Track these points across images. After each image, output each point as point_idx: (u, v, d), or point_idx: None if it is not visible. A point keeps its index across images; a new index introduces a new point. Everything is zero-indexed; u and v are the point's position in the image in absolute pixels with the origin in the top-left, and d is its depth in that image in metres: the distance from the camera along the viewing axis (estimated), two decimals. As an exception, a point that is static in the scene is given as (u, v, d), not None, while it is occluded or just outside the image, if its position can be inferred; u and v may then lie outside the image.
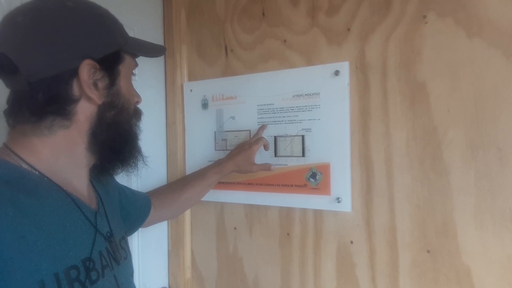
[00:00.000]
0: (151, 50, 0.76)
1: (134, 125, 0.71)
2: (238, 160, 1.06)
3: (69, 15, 0.59)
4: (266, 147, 1.09)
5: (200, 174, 1.10)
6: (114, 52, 0.64)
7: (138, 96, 0.73)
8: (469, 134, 0.87)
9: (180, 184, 1.11)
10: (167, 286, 1.31)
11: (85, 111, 0.62)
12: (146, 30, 1.24)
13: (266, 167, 1.06)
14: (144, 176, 1.22)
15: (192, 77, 1.28)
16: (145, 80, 1.24)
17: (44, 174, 0.58)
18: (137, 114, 0.73)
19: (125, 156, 0.69)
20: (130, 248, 1.17)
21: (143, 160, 0.74)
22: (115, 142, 0.66)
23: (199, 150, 1.24)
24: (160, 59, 1.30)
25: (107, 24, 0.64)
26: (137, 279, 1.21)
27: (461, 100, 0.88)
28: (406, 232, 0.95)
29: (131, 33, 1.18)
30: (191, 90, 1.25)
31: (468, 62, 0.87)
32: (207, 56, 1.24)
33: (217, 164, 1.10)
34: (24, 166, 0.57)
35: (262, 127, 1.10)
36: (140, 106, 1.20)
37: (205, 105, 1.22)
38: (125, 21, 1.15)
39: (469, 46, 0.87)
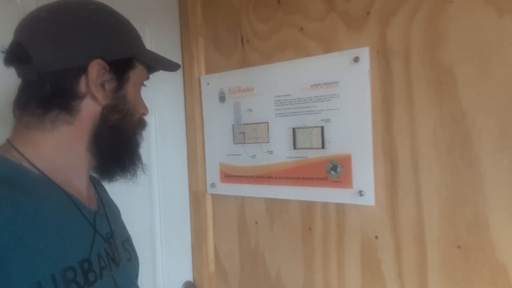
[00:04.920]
0: (165, 64, 0.76)
1: (136, 133, 0.71)
2: None
3: (89, 15, 0.61)
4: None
5: None
6: (126, 58, 0.65)
7: (146, 108, 0.73)
8: (501, 121, 0.80)
9: None
10: (191, 280, 1.31)
11: (89, 110, 0.62)
12: (162, 24, 1.23)
13: None
14: (166, 170, 1.23)
15: (209, 70, 1.26)
16: (163, 75, 1.21)
17: (44, 172, 0.58)
18: (142, 124, 0.72)
19: (125, 163, 0.69)
20: (154, 242, 1.20)
21: (142, 168, 0.72)
22: (116, 146, 0.66)
23: (218, 144, 1.22)
24: (177, 53, 1.29)
25: (124, 31, 0.65)
26: (160, 273, 1.22)
27: (491, 84, 0.81)
28: (434, 226, 0.89)
29: (146, 28, 1.19)
30: (208, 83, 1.23)
31: (498, 43, 0.80)
32: (223, 48, 1.22)
33: None
34: (25, 164, 0.57)
35: None
36: (159, 101, 1.21)
37: (222, 98, 1.19)
38: (141, 15, 1.17)
39: (500, 25, 0.79)
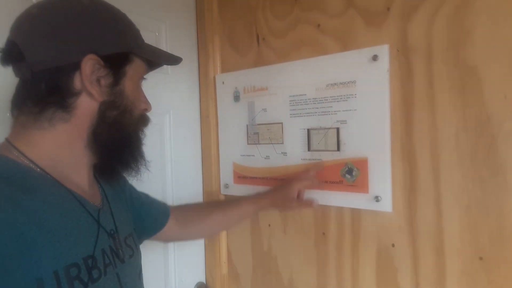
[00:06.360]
0: (165, 58, 0.74)
1: (138, 129, 0.69)
2: (275, 196, 1.00)
3: (82, 11, 0.60)
4: (312, 187, 0.99)
5: (234, 201, 1.03)
6: (122, 52, 0.63)
7: (147, 103, 0.71)
8: (531, 125, 0.74)
9: (211, 206, 1.06)
10: (204, 281, 1.30)
11: (85, 107, 0.60)
12: (179, 22, 1.22)
13: (308, 203, 0.97)
14: (179, 169, 1.22)
15: (224, 68, 1.24)
16: (179, 74, 1.22)
17: (45, 170, 0.57)
18: (144, 120, 0.71)
19: (126, 160, 0.67)
20: (166, 243, 1.19)
21: (145, 165, 0.70)
22: (115, 143, 0.64)
23: (232, 144, 1.20)
24: (193, 52, 1.27)
25: (119, 25, 0.64)
26: (173, 274, 1.21)
27: (521, 85, 0.75)
28: (455, 236, 0.84)
29: (162, 26, 1.18)
30: (223, 83, 1.21)
31: (530, 40, 0.74)
32: (239, 46, 1.19)
33: (254, 195, 1.03)
34: (26, 162, 0.57)
35: (317, 165, 1.00)
36: (174, 100, 1.20)
37: (237, 98, 1.17)
38: (158, 14, 1.16)
39: (532, 20, 0.73)
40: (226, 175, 1.22)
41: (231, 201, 1.04)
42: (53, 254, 0.52)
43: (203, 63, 1.26)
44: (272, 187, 1.05)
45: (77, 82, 0.59)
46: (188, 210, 1.01)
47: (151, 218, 0.89)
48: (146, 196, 0.92)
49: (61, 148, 0.60)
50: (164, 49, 1.16)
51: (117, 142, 0.65)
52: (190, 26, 1.27)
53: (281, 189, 0.99)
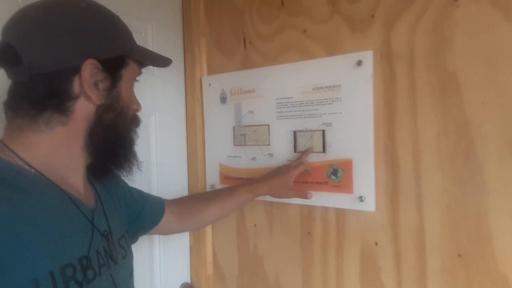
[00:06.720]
0: (157, 60, 0.76)
1: (131, 130, 0.71)
2: (272, 183, 1.00)
3: (80, 14, 0.60)
4: (307, 173, 1.02)
5: (230, 191, 1.05)
6: (119, 56, 0.64)
7: (138, 104, 0.73)
8: (506, 128, 0.78)
9: (207, 197, 1.06)
10: (189, 281, 1.30)
11: (83, 110, 0.61)
12: (165, 23, 1.23)
13: (303, 194, 0.98)
14: (165, 170, 1.22)
15: (211, 70, 1.25)
16: (165, 76, 1.22)
17: (40, 171, 0.57)
18: (135, 121, 0.73)
19: (120, 160, 0.69)
20: (151, 243, 1.19)
21: (137, 165, 0.72)
22: (110, 145, 0.66)
23: (218, 146, 1.21)
24: (179, 53, 1.28)
25: (116, 29, 0.65)
26: (158, 275, 1.21)
27: (497, 90, 0.79)
28: (435, 234, 0.87)
29: (148, 27, 1.18)
30: (209, 84, 1.22)
31: (506, 49, 0.78)
32: (226, 48, 1.21)
33: (249, 184, 1.04)
34: (20, 163, 0.57)
35: (307, 152, 1.01)
36: (160, 101, 1.20)
37: (223, 99, 1.18)
38: (144, 15, 1.16)
39: (508, 30, 0.77)
40: (212, 176, 1.23)
41: (227, 191, 1.05)
42: (49, 255, 0.52)
43: (189, 65, 1.27)
44: (267, 174, 1.05)
45: (76, 86, 0.60)
46: (184, 204, 1.03)
47: (145, 215, 0.90)
48: (140, 193, 0.93)
49: (57, 150, 0.60)
50: (151, 50, 1.17)
51: (113, 143, 0.66)
52: (177, 28, 1.27)
53: (278, 177, 0.99)
